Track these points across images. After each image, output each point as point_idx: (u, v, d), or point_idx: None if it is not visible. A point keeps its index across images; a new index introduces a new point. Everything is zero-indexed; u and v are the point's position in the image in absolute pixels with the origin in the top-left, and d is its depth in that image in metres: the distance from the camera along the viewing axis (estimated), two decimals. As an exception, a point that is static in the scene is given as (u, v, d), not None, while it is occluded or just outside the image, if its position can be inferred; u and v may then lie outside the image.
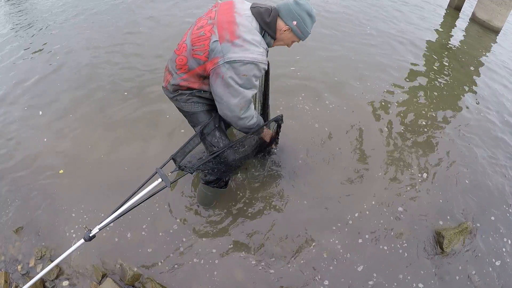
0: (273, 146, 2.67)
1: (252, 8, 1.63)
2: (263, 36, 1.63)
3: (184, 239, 2.21)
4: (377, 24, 5.00)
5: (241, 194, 2.46)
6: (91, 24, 4.47)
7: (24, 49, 4.08)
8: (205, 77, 1.66)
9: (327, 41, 4.34)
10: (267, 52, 1.68)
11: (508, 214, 2.62)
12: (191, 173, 1.62)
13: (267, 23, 1.61)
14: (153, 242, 2.20)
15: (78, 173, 2.56)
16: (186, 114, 1.85)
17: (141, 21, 4.52)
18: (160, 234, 2.24)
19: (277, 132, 2.15)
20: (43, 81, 3.47)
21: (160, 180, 1.62)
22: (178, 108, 1.85)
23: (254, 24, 1.59)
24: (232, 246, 2.19)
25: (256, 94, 2.09)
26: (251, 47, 1.54)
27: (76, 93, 3.27)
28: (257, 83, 1.65)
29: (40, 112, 3.07)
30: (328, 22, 4.79)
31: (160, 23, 4.48)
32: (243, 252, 2.17)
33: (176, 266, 2.09)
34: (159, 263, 2.10)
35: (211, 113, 1.81)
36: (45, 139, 2.80)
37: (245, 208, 2.39)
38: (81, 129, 2.90)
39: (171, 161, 1.71)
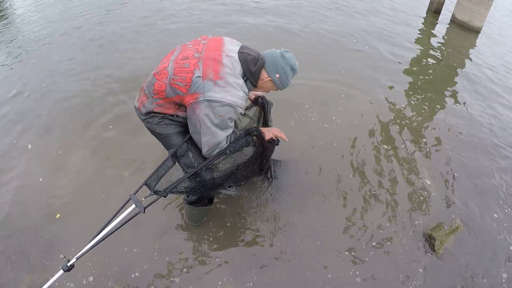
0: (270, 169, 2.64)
1: (240, 53, 1.65)
2: (245, 81, 1.67)
3: (174, 263, 2.18)
4: (361, 33, 5.09)
5: (232, 213, 2.44)
6: (75, 48, 4.50)
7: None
8: (180, 105, 1.68)
9: (313, 52, 4.43)
10: (247, 96, 1.73)
11: (498, 212, 2.61)
12: (164, 197, 1.61)
13: (252, 72, 1.65)
14: (143, 267, 2.16)
15: (75, 214, 2.48)
16: (158, 136, 1.86)
17: (128, 44, 4.57)
18: (152, 257, 2.20)
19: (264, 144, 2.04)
20: (26, 110, 3.44)
21: (134, 206, 1.61)
22: (150, 130, 1.85)
23: (238, 69, 1.63)
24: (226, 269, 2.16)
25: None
26: (232, 89, 1.57)
27: (63, 124, 3.24)
28: (232, 124, 1.69)
29: (30, 146, 3.03)
30: (311, 33, 4.90)
31: (149, 45, 4.53)
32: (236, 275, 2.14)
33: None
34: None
35: (184, 135, 1.81)
36: (40, 179, 2.72)
37: (237, 229, 2.36)
38: (76, 165, 2.83)
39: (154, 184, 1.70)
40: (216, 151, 1.73)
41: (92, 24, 5.19)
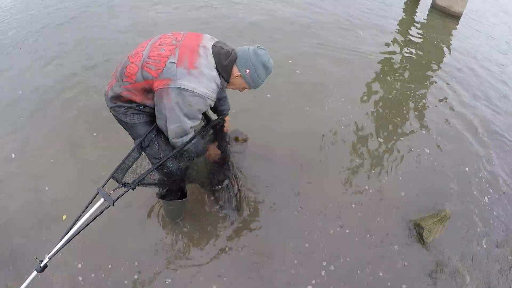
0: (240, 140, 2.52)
1: (214, 46, 1.63)
2: (218, 75, 1.64)
3: (155, 264, 2.11)
4: (340, 20, 5.05)
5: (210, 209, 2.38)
6: (49, 51, 4.28)
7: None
8: (149, 92, 1.62)
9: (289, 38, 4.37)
10: (218, 90, 1.69)
11: (486, 199, 2.62)
12: (133, 189, 1.57)
13: (223, 66, 1.62)
14: (121, 268, 2.09)
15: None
16: (125, 125, 1.80)
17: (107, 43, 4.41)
18: (131, 258, 2.13)
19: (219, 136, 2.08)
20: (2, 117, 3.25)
21: (103, 200, 1.57)
22: (117, 119, 1.79)
23: (212, 62, 1.61)
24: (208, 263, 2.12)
25: None
26: (205, 80, 1.55)
27: (42, 130, 3.04)
28: (200, 116, 1.66)
29: (13, 155, 2.81)
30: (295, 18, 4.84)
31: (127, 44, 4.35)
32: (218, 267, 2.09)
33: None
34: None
35: (151, 125, 1.76)
36: (46, 188, 2.53)
37: (217, 222, 2.31)
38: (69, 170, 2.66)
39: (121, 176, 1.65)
40: (183, 138, 1.69)
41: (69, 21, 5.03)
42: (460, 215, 2.46)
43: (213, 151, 2.10)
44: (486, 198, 2.61)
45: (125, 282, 2.03)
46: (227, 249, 2.17)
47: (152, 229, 2.27)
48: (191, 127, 1.65)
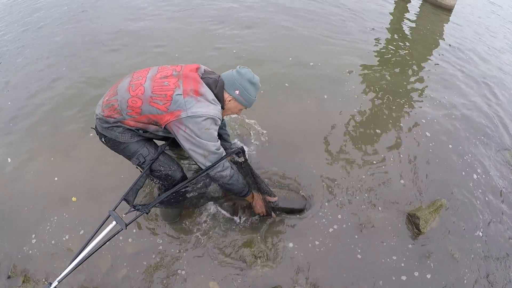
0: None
1: (202, 78, 1.70)
2: None
3: (153, 265, 2.11)
4: (332, 14, 5.02)
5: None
6: (44, 52, 4.16)
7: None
8: (154, 123, 1.66)
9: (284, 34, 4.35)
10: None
11: (480, 187, 2.67)
12: (147, 213, 1.55)
13: (215, 94, 1.71)
14: (121, 271, 2.08)
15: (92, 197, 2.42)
16: (117, 147, 1.78)
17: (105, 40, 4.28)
18: (129, 260, 2.13)
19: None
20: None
21: (115, 223, 1.55)
22: (110, 142, 1.76)
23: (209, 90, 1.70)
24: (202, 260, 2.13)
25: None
26: (211, 105, 1.64)
27: (37, 132, 3.02)
28: (216, 135, 1.71)
29: (9, 160, 2.79)
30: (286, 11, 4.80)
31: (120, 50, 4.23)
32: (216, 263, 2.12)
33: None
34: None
35: (144, 142, 1.80)
36: (56, 177, 2.60)
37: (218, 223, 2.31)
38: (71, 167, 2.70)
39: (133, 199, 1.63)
40: (214, 160, 1.70)
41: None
42: (456, 205, 2.51)
43: (258, 205, 2.09)
44: (482, 189, 2.66)
45: (122, 281, 2.03)
46: (226, 247, 2.19)
47: (150, 229, 2.27)
48: (215, 148, 1.68)
